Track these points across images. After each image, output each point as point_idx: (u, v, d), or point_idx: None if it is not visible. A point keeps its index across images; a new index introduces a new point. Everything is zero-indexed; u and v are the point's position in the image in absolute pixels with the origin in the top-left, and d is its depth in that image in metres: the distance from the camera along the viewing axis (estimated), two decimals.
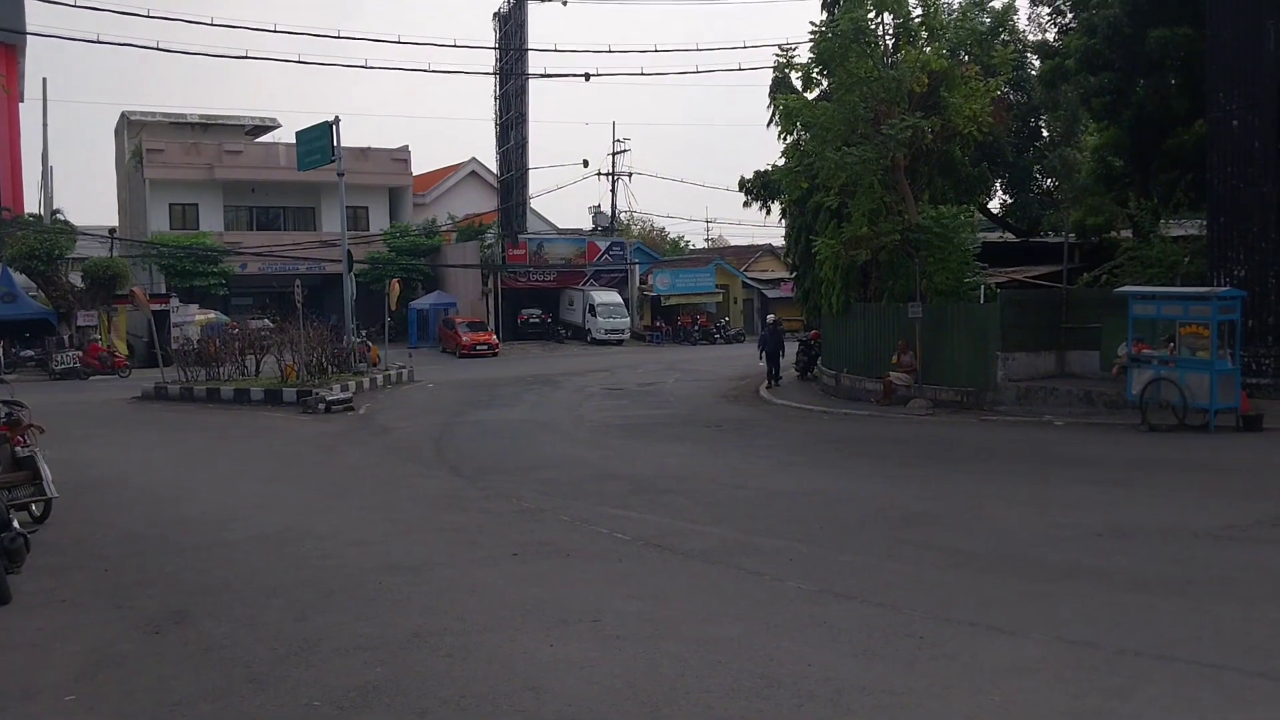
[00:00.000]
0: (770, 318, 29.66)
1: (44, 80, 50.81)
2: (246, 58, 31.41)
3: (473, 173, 57.38)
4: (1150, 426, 16.33)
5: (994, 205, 29.85)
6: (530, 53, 43.25)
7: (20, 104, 49.76)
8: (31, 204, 50.08)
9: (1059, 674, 5.96)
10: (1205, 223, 19.77)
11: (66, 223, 43.12)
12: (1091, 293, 21.38)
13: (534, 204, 50.86)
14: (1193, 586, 7.85)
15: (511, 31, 44.31)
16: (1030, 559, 8.80)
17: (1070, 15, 25.34)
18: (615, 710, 5.63)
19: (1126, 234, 23.77)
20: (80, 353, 35.58)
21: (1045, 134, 29.12)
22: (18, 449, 11.48)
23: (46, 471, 11.31)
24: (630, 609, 7.53)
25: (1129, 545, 9.21)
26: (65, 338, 36.36)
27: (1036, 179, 29.18)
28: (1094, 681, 5.82)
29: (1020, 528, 10.08)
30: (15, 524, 9.22)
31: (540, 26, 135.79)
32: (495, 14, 45.67)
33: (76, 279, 38.94)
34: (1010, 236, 29.80)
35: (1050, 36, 26.38)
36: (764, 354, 27.20)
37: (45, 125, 48.91)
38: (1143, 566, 8.48)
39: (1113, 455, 14.55)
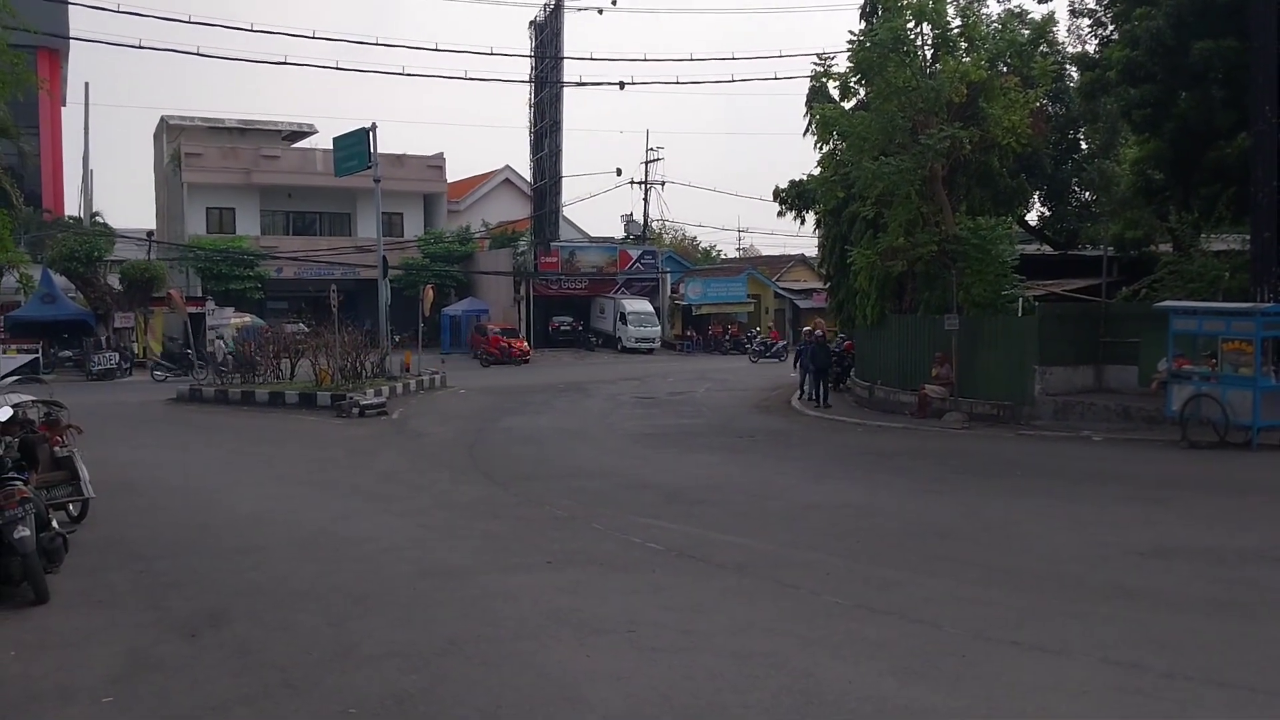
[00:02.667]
0: (816, 330, 26.67)
1: (86, 84, 51.21)
2: (285, 63, 32.15)
3: (506, 180, 57.60)
4: (1190, 443, 16.07)
5: (1032, 217, 29.54)
6: (566, 61, 43.56)
7: (63, 108, 50.53)
8: (72, 206, 50.92)
9: (1106, 696, 5.84)
10: (1248, 237, 19.43)
11: (105, 225, 43.64)
12: (1130, 307, 21.10)
13: (567, 212, 50.98)
14: (1239, 609, 7.69)
15: (547, 40, 44.51)
16: (1070, 577, 8.65)
17: (1111, 27, 25.03)
18: None
19: (1166, 248, 23.44)
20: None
21: (1084, 146, 28.77)
22: (56, 449, 11.62)
23: (84, 471, 11.42)
24: (665, 620, 7.46)
25: (1171, 565, 9.04)
26: (103, 339, 36.76)
27: (1075, 191, 28.82)
28: (1143, 705, 5.70)
29: (1059, 545, 9.92)
30: (54, 524, 9.32)
31: (576, 35, 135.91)
32: (532, 22, 45.94)
33: (114, 281, 39.33)
34: (1048, 249, 29.47)
35: (1090, 48, 26.06)
36: (801, 368, 25.70)
37: (86, 129, 49.47)
38: (1186, 587, 8.32)
39: (1152, 472, 14.32)
